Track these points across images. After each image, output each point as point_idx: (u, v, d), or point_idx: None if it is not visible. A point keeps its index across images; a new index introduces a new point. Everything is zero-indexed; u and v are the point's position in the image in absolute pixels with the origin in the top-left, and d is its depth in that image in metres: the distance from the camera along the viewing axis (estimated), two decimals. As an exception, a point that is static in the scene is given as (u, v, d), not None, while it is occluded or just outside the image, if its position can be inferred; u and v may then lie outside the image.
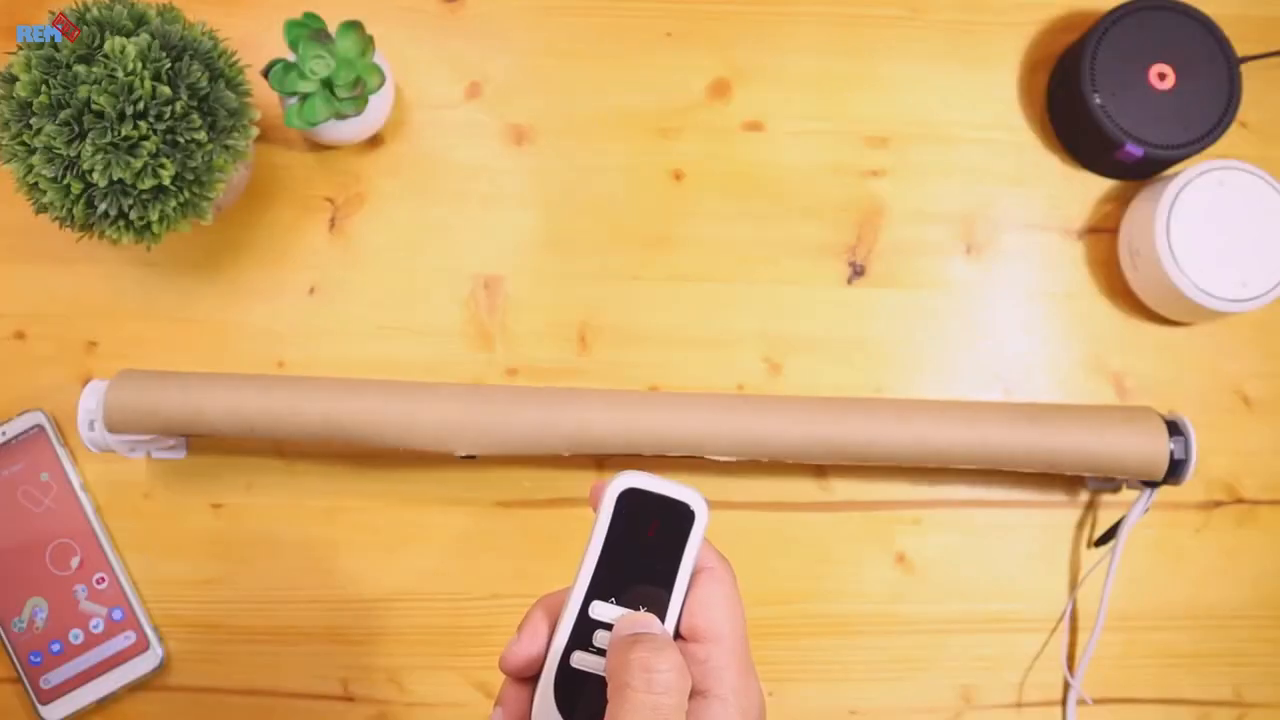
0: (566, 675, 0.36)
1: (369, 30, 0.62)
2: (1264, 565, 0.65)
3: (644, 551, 0.37)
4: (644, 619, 0.36)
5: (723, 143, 0.67)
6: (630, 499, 0.37)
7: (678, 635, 0.36)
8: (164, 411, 0.57)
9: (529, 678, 0.36)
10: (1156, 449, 0.58)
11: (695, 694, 0.35)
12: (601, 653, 0.36)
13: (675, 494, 0.37)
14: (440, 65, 0.68)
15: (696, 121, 0.68)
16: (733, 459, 0.59)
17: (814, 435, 0.58)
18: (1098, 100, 0.64)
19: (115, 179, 0.54)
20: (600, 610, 0.36)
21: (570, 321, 0.66)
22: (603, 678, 0.35)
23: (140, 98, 0.53)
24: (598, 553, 0.37)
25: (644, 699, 0.33)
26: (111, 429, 0.58)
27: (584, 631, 0.36)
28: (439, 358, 0.65)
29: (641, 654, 0.34)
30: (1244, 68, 0.65)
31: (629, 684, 0.33)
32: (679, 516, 0.37)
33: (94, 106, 0.53)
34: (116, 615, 0.62)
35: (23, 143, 0.54)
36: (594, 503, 0.38)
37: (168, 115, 0.54)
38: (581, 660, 0.36)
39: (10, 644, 0.61)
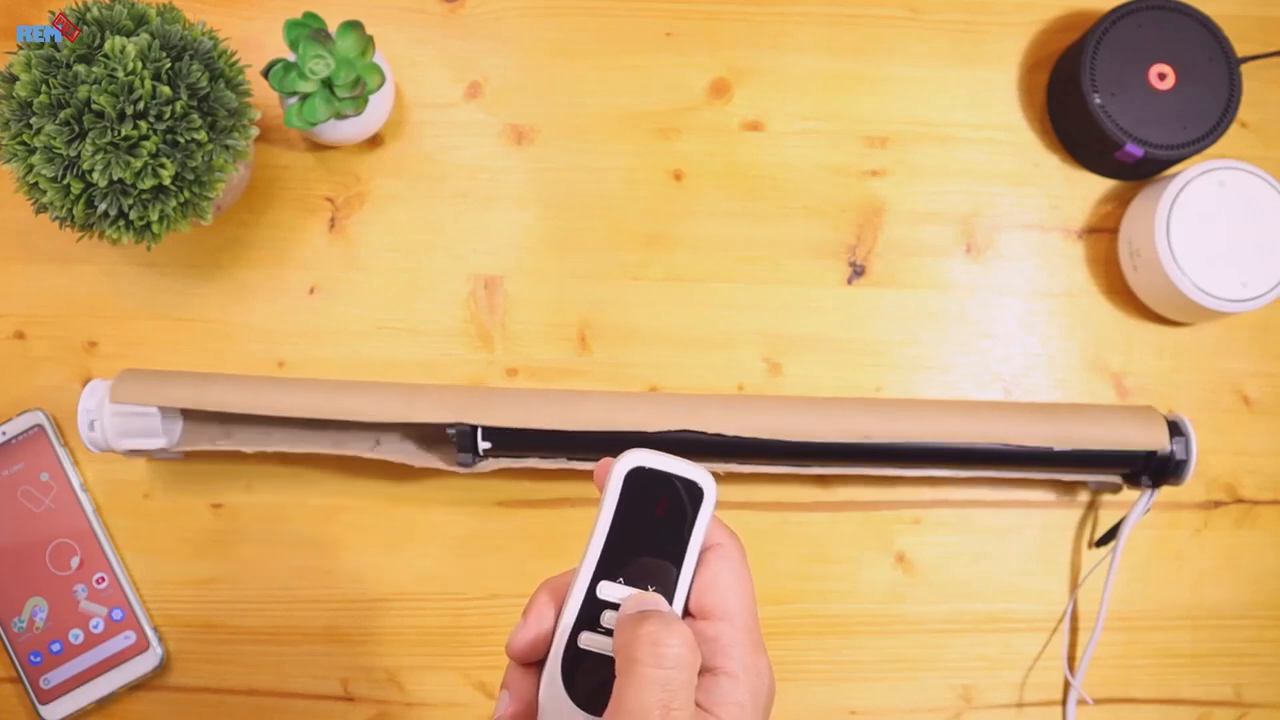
0: (574, 656, 0.35)
1: (369, 30, 0.62)
2: (1264, 565, 0.65)
3: (652, 530, 0.37)
4: (651, 598, 0.36)
5: (723, 143, 0.67)
6: (638, 478, 0.37)
7: (687, 613, 0.36)
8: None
9: (535, 662, 0.36)
10: (1156, 433, 0.58)
11: (705, 671, 0.35)
12: (609, 633, 0.35)
13: (684, 472, 0.37)
14: (440, 65, 0.68)
15: (696, 121, 0.68)
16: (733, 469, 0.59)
17: (814, 432, 0.58)
18: (1098, 100, 0.64)
19: (115, 179, 0.54)
20: (608, 590, 0.36)
21: (570, 321, 0.66)
22: (611, 658, 0.34)
23: (140, 98, 0.53)
24: (605, 532, 0.36)
25: (653, 674, 0.32)
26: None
27: (591, 612, 0.36)
28: (439, 358, 0.65)
29: (650, 629, 0.33)
30: (1244, 68, 0.65)
31: (638, 659, 0.33)
32: (687, 495, 0.37)
33: (94, 106, 0.53)
34: (116, 615, 0.62)
35: (23, 143, 0.54)
36: (599, 482, 0.37)
37: (168, 115, 0.54)
38: (589, 641, 0.35)
39: (10, 644, 0.61)
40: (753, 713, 0.34)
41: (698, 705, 0.34)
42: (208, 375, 0.60)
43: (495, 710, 0.36)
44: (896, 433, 0.58)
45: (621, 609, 0.35)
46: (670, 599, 0.36)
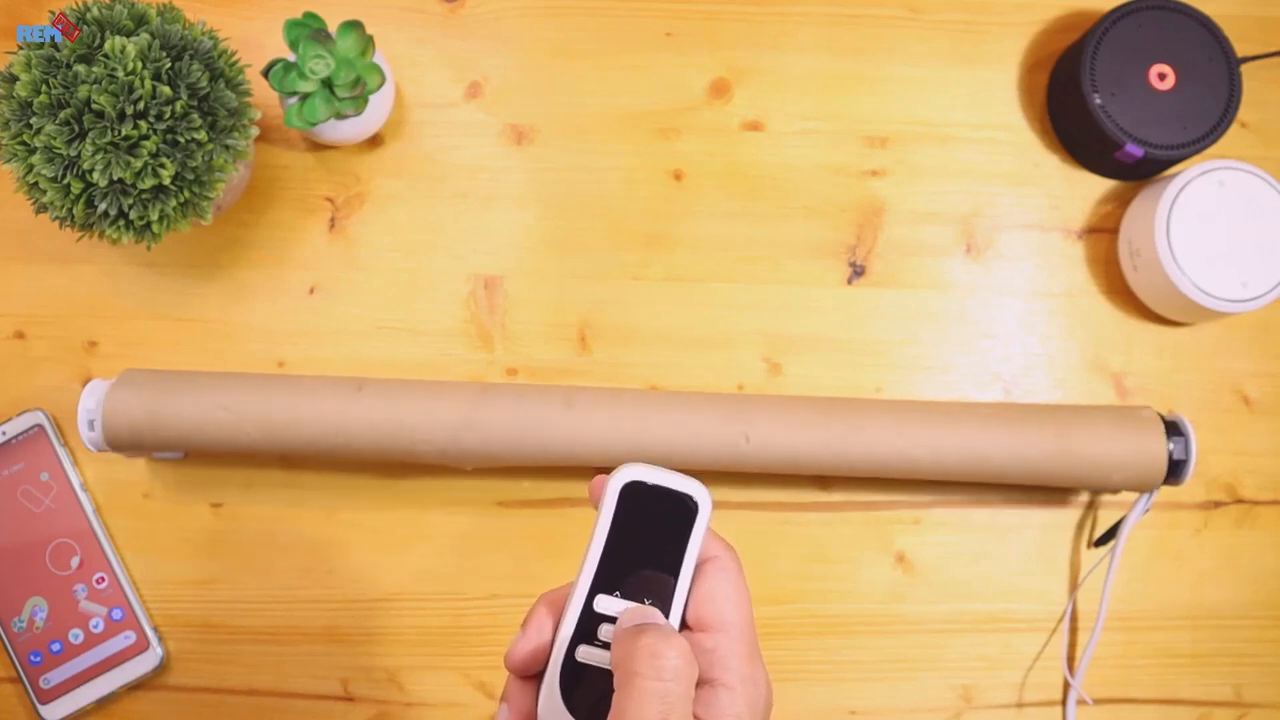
0: (572, 669, 0.35)
1: (369, 30, 0.62)
2: (1264, 565, 0.65)
3: (648, 544, 0.37)
4: (649, 611, 0.36)
5: (723, 143, 0.67)
6: (633, 492, 0.37)
7: (684, 626, 0.36)
8: (165, 428, 0.58)
9: (534, 674, 0.36)
10: (1155, 459, 0.58)
11: (703, 683, 0.35)
12: (607, 646, 0.35)
13: (678, 485, 0.37)
14: (440, 65, 0.68)
15: (696, 121, 0.68)
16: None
17: (803, 455, 0.59)
18: (1098, 100, 0.64)
19: (115, 179, 0.54)
20: (605, 604, 0.36)
21: (570, 321, 0.66)
22: (608, 671, 0.35)
23: (140, 97, 0.53)
24: (601, 546, 0.37)
25: (652, 686, 0.33)
26: (110, 441, 0.58)
27: (589, 625, 0.36)
28: (439, 358, 0.65)
29: (648, 641, 0.33)
30: (1244, 68, 0.65)
31: (637, 671, 0.33)
32: (682, 508, 0.37)
33: (94, 106, 0.53)
34: (116, 615, 0.62)
35: (23, 143, 0.54)
36: (594, 497, 0.38)
37: (168, 115, 0.54)
38: (587, 654, 0.36)
39: (10, 644, 0.61)
40: None
41: (696, 718, 0.34)
42: (205, 385, 0.59)
43: None
44: (889, 468, 0.59)
45: (619, 622, 0.35)
46: (667, 612, 0.36)
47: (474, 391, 0.59)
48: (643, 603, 0.36)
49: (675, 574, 0.36)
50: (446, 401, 0.59)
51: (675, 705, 0.33)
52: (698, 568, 0.37)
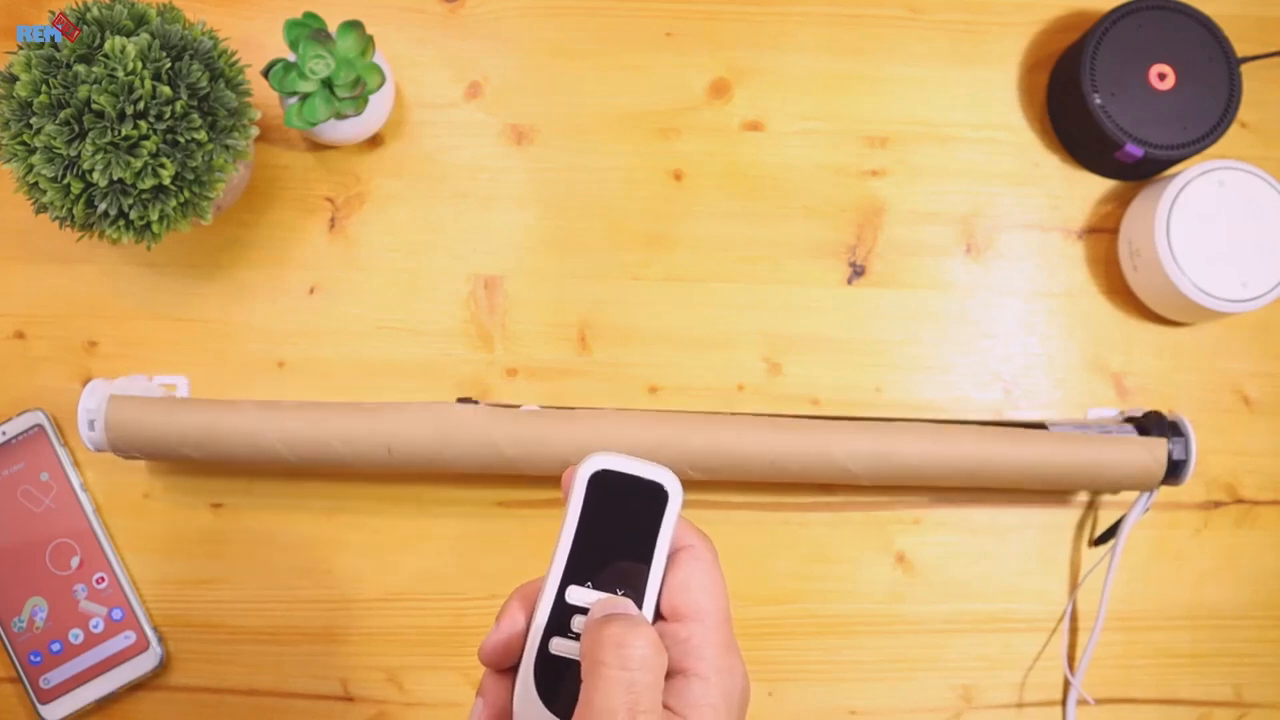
0: (546, 662, 0.35)
1: (369, 30, 0.62)
2: (1264, 565, 0.65)
3: (619, 534, 0.36)
4: (619, 602, 0.35)
5: (723, 143, 0.67)
6: (602, 481, 0.37)
7: (659, 615, 0.36)
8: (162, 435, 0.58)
9: (509, 668, 0.36)
10: (1155, 459, 0.58)
11: (676, 673, 0.34)
12: (580, 637, 0.35)
13: (647, 474, 0.37)
14: (440, 65, 0.68)
15: (696, 121, 0.68)
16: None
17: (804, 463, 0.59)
18: (1098, 100, 0.64)
19: (115, 179, 0.54)
20: (577, 595, 0.36)
21: (570, 321, 0.66)
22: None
23: (140, 97, 0.53)
24: (571, 537, 0.36)
25: (618, 675, 0.32)
26: (112, 442, 0.58)
27: (561, 617, 0.36)
28: (439, 358, 0.65)
29: (615, 630, 0.33)
30: (1244, 68, 0.65)
31: (602, 661, 0.33)
32: (652, 497, 0.37)
33: (94, 106, 0.53)
34: (116, 615, 0.62)
35: (23, 143, 0.54)
36: (566, 489, 0.37)
37: (168, 115, 0.54)
38: (560, 646, 0.35)
39: (10, 644, 0.61)
40: (725, 714, 0.34)
41: (669, 709, 0.33)
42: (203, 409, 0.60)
43: (470, 717, 0.36)
44: (893, 477, 0.59)
45: (589, 614, 0.35)
46: (640, 602, 0.36)
47: (489, 454, 0.59)
48: (615, 593, 0.36)
49: (647, 564, 0.36)
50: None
51: (643, 695, 0.32)
52: (671, 557, 0.36)
